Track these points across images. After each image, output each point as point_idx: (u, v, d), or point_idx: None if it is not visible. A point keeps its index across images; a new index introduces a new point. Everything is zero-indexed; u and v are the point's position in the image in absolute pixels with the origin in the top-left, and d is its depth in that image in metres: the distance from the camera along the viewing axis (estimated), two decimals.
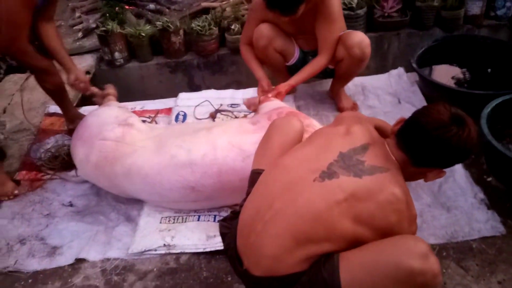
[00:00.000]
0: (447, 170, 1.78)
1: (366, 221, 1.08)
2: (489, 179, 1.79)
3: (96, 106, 2.23)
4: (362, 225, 1.08)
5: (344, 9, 2.76)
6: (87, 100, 2.65)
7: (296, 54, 2.21)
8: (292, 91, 2.46)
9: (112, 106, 1.95)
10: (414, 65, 2.24)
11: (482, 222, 1.60)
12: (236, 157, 1.63)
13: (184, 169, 1.63)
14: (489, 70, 2.44)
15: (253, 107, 2.05)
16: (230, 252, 1.25)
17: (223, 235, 1.32)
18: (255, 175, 1.32)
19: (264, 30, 2.10)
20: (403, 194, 1.10)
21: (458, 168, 1.82)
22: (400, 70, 2.52)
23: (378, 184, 1.10)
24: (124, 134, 1.75)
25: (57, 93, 2.19)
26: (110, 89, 2.18)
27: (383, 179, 1.10)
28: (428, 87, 2.28)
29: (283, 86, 2.08)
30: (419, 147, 1.13)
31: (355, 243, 1.09)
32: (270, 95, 2.03)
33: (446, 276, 1.44)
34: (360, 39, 2.01)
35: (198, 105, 2.40)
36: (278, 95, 2.04)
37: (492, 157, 1.77)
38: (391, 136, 1.20)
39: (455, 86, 2.31)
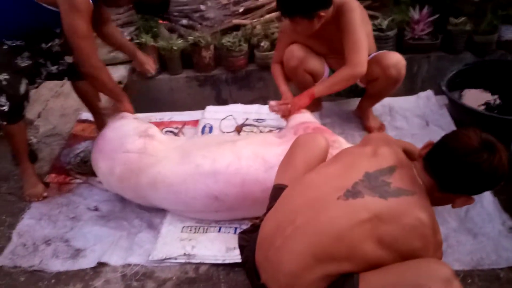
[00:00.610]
0: (474, 196, 1.74)
1: (389, 244, 1.06)
2: None
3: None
4: (385, 248, 1.06)
5: (374, 30, 2.76)
6: None
7: (325, 74, 2.21)
8: (318, 108, 2.48)
9: (128, 118, 1.94)
10: (444, 88, 2.21)
11: (510, 251, 1.54)
12: (259, 167, 1.64)
13: (208, 178, 1.65)
14: None
15: (281, 112, 2.02)
16: (248, 265, 1.25)
17: (241, 247, 1.32)
18: (277, 190, 1.32)
19: (295, 51, 2.10)
20: (429, 220, 1.07)
21: (487, 194, 1.77)
22: (429, 92, 2.49)
23: (403, 207, 1.07)
24: (146, 146, 1.78)
25: (92, 101, 2.27)
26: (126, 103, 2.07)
27: (409, 203, 1.08)
28: (458, 111, 2.25)
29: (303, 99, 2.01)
30: (447, 172, 1.10)
31: (375, 265, 1.07)
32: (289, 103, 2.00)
33: None
34: (397, 59, 2.01)
35: (223, 118, 2.43)
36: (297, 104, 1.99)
37: None
38: (419, 160, 1.18)
39: (485, 110, 2.27)
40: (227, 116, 2.45)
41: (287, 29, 2.10)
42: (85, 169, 2.12)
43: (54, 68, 2.02)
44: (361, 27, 1.92)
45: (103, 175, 1.85)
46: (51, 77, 2.08)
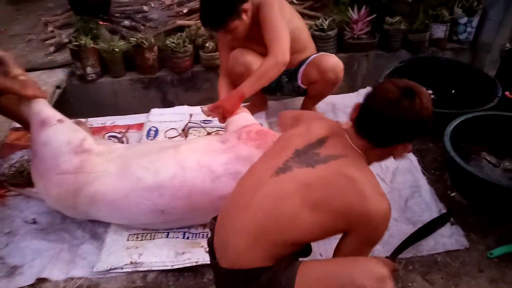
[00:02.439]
0: (413, 185, 1.83)
1: (324, 207, 1.08)
2: (453, 194, 1.85)
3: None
4: (321, 212, 1.08)
5: (315, 30, 2.85)
6: None
7: None
8: (263, 108, 2.50)
9: (53, 125, 1.71)
10: None
11: (446, 237, 1.64)
12: (205, 178, 1.59)
13: (152, 192, 1.59)
14: (453, 91, 2.54)
15: (215, 117, 1.94)
16: (209, 247, 1.31)
17: (211, 231, 1.35)
18: None
19: (240, 57, 2.09)
20: (361, 175, 1.09)
21: (424, 184, 1.88)
22: (369, 89, 2.57)
23: (331, 170, 1.11)
24: (82, 163, 1.64)
25: (15, 114, 2.03)
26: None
27: (337, 165, 1.11)
28: None
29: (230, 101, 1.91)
30: (376, 130, 1.12)
31: (318, 231, 1.10)
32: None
33: None
34: (335, 63, 2.05)
35: (167, 130, 2.34)
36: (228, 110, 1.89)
37: (455, 173, 1.83)
38: (351, 125, 1.20)
39: None
40: (168, 130, 2.35)
41: (223, 39, 2.10)
42: (21, 180, 2.00)
43: None
44: (279, 18, 1.93)
45: (41, 193, 1.75)
46: None
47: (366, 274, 1.02)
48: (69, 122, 1.80)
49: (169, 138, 2.28)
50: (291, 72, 2.21)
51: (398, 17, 2.92)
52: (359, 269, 1.04)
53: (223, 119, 1.94)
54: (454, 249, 1.60)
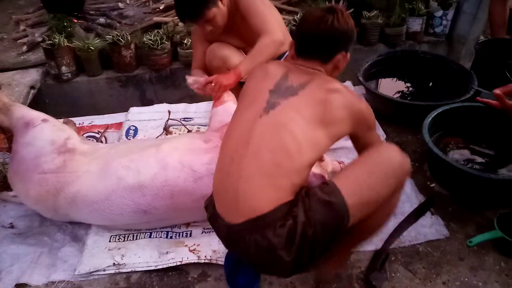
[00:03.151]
0: None
1: (328, 120, 1.19)
2: (432, 185, 1.88)
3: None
4: (329, 125, 1.19)
5: (294, 25, 2.85)
6: None
7: None
8: None
9: (44, 127, 1.69)
10: (361, 79, 2.33)
11: (427, 227, 1.66)
12: (187, 177, 1.57)
13: (133, 192, 1.56)
14: (430, 83, 2.59)
15: (203, 91, 1.86)
16: (212, 218, 1.27)
17: (206, 207, 1.33)
18: None
19: (217, 51, 2.07)
20: (338, 85, 1.24)
21: None
22: (348, 83, 2.61)
23: (313, 90, 1.22)
24: (65, 163, 1.61)
25: None
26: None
27: (314, 86, 1.23)
28: (374, 99, 2.38)
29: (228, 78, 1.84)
30: (316, 47, 1.28)
31: (330, 142, 1.22)
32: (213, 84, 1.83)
33: (395, 280, 1.48)
34: None
35: (148, 128, 2.29)
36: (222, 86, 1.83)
37: (434, 164, 1.87)
38: (295, 59, 1.33)
39: (399, 98, 2.42)
40: (150, 128, 2.30)
41: (199, 32, 2.08)
42: None
43: None
44: (261, 4, 1.92)
45: (20, 194, 1.71)
46: None
47: (394, 152, 1.23)
48: (54, 121, 1.76)
49: (149, 136, 2.25)
50: None
51: (375, 11, 2.96)
52: (387, 151, 1.24)
53: (209, 94, 1.87)
54: (434, 238, 1.62)
